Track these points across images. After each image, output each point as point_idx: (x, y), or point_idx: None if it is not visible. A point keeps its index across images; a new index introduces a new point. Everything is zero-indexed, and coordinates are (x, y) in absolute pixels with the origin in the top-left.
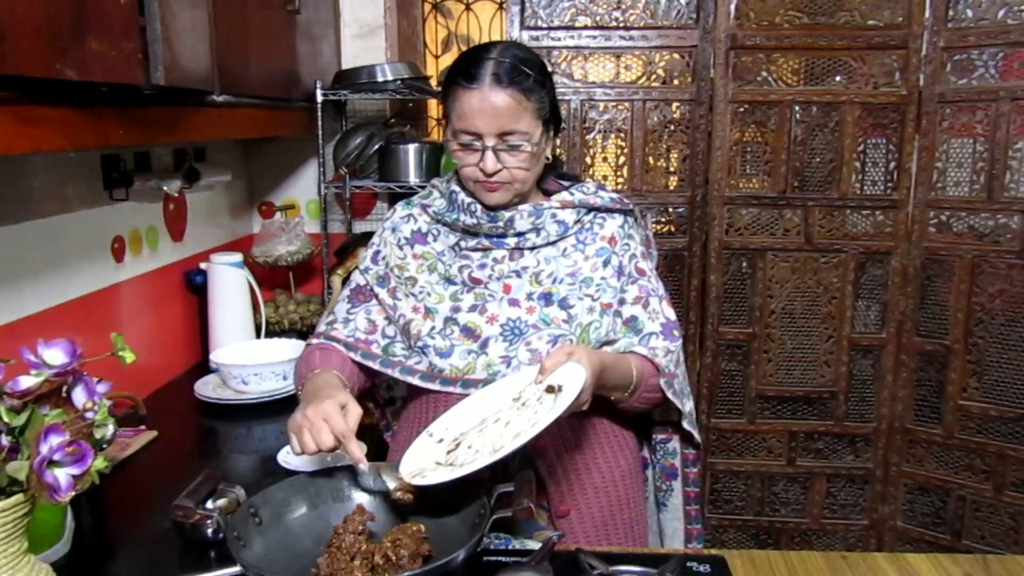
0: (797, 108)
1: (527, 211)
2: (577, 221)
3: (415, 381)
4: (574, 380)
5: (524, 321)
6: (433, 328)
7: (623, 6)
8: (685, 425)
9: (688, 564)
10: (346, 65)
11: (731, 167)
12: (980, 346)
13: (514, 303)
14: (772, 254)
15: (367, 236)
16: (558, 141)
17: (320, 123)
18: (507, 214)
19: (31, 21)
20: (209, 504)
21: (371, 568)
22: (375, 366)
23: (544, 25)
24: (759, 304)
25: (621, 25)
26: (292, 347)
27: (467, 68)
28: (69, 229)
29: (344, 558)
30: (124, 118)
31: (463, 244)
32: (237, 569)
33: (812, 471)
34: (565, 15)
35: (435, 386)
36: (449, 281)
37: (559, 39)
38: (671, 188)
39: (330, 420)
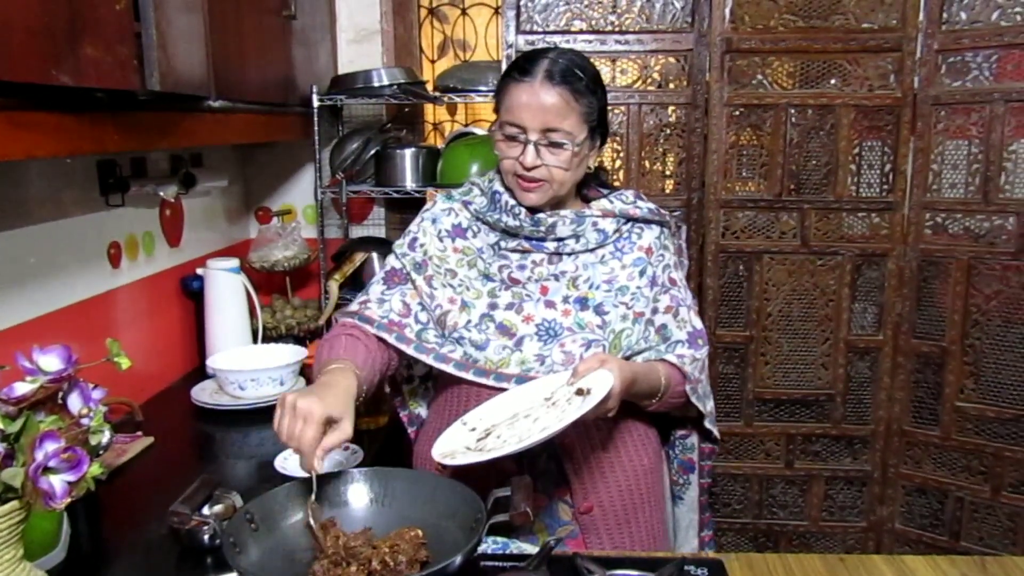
0: (792, 111)
1: (569, 218)
2: (616, 230)
3: (449, 369)
4: (602, 385)
5: (559, 323)
6: (469, 321)
7: (618, 10)
8: (706, 424)
9: (686, 568)
10: (342, 70)
11: (727, 170)
12: (977, 347)
13: (550, 305)
14: (768, 257)
15: (364, 241)
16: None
17: (316, 128)
18: (549, 219)
19: (26, 27)
20: (205, 510)
21: (368, 574)
22: (409, 350)
23: (540, 29)
24: (756, 307)
25: (616, 29)
26: (289, 352)
27: (523, 64)
28: (65, 235)
29: (342, 564)
30: (120, 124)
31: (503, 244)
32: (233, 575)
33: (810, 473)
34: (560, 19)
35: (469, 375)
36: (488, 278)
37: (555, 43)
38: (667, 191)
39: (304, 431)
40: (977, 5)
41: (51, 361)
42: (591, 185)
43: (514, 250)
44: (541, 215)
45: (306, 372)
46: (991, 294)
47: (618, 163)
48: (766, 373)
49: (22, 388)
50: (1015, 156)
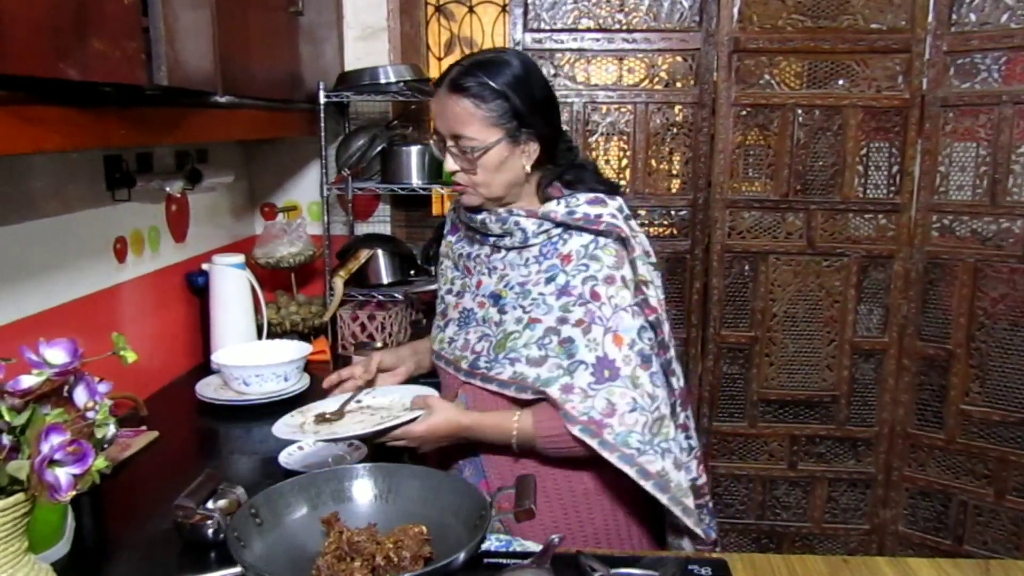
0: (800, 111)
1: (496, 216)
2: (544, 232)
3: None
4: (401, 419)
5: (474, 313)
6: (437, 303)
7: (626, 9)
8: (648, 488)
9: (689, 567)
10: (349, 67)
11: (733, 170)
12: (982, 350)
13: (476, 296)
14: (774, 257)
15: (369, 238)
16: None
17: (323, 125)
18: (479, 216)
19: (33, 21)
20: (210, 504)
21: (372, 570)
22: None
23: (547, 27)
24: (761, 307)
25: (624, 28)
26: (293, 348)
27: (441, 74)
28: (71, 229)
29: (346, 560)
30: (126, 118)
31: (469, 235)
32: (237, 570)
33: (813, 475)
34: (568, 17)
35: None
36: (455, 267)
37: (562, 41)
38: (673, 191)
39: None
40: (986, 7)
41: (57, 354)
42: (554, 184)
43: (472, 240)
44: (478, 214)
45: (310, 368)
46: (997, 297)
47: (624, 162)
48: (770, 374)
49: (28, 381)
50: (1023, 159)
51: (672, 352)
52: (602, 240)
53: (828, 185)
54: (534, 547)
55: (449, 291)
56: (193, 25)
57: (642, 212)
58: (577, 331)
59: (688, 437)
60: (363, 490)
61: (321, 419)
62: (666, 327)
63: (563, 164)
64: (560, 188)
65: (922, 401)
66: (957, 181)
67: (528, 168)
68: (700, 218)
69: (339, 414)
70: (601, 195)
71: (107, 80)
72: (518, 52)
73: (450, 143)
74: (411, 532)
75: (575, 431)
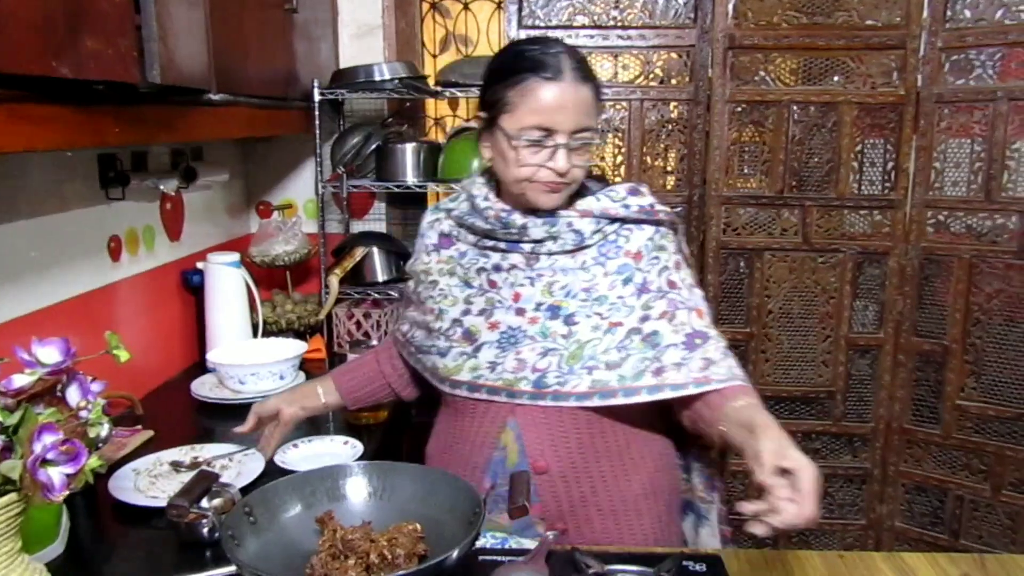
0: (795, 108)
1: (541, 219)
2: (598, 231)
3: (427, 376)
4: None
5: (523, 330)
6: (440, 328)
7: (621, 5)
8: (741, 382)
9: (684, 563)
10: (344, 64)
11: (729, 167)
12: (978, 346)
13: (520, 312)
14: (770, 254)
15: (364, 236)
16: None
17: (317, 123)
18: (520, 220)
19: (26, 19)
20: (204, 503)
21: (366, 568)
22: (411, 361)
23: (542, 24)
24: (756, 304)
25: (619, 24)
26: (289, 347)
27: (544, 61)
28: (65, 228)
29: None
30: (120, 117)
31: (482, 244)
32: (232, 569)
33: None
34: (563, 14)
35: (434, 381)
36: (467, 284)
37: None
38: (669, 188)
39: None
40: (981, 3)
41: (50, 353)
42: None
43: (494, 249)
44: (513, 216)
45: (306, 367)
46: (992, 293)
47: (619, 159)
48: (766, 370)
49: (20, 380)
50: (1018, 155)
51: None
52: (662, 229)
53: (823, 182)
54: (530, 544)
55: (467, 312)
56: (186, 23)
57: None
58: (662, 322)
59: None
60: (357, 488)
61: (177, 466)
62: None
63: None
64: (585, 183)
65: (918, 397)
66: (952, 177)
67: None
68: (695, 215)
69: (194, 465)
70: (632, 184)
71: (100, 78)
72: None
73: (567, 138)
74: (405, 530)
75: (689, 392)
